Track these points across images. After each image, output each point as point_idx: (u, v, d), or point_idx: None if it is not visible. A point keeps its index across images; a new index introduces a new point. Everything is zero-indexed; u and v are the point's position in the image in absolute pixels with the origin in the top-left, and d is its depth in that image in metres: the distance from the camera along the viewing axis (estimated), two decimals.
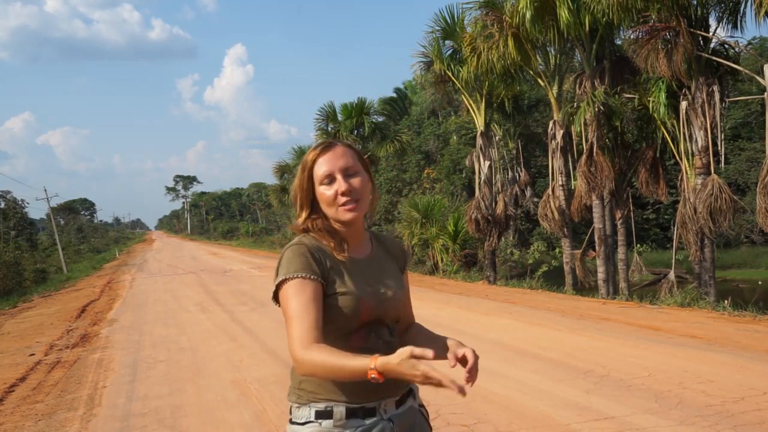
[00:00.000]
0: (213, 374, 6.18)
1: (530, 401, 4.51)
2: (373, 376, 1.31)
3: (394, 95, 38.16)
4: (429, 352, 1.27)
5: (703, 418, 3.91)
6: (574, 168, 15.17)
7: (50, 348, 8.64)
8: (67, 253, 36.79)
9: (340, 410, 1.49)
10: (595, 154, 13.71)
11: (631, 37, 12.60)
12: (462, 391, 1.28)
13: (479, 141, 17.60)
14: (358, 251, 1.61)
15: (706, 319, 7.44)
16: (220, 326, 9.30)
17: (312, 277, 1.47)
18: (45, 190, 38.71)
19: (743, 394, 4.33)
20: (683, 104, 12.12)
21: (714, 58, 12.00)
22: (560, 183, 15.13)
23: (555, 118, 15.34)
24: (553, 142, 15.30)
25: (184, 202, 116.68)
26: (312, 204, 1.59)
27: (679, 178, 13.45)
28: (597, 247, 14.66)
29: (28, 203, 42.77)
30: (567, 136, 15.17)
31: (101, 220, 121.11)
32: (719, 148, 12.38)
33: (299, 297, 1.44)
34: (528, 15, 13.40)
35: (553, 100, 15.41)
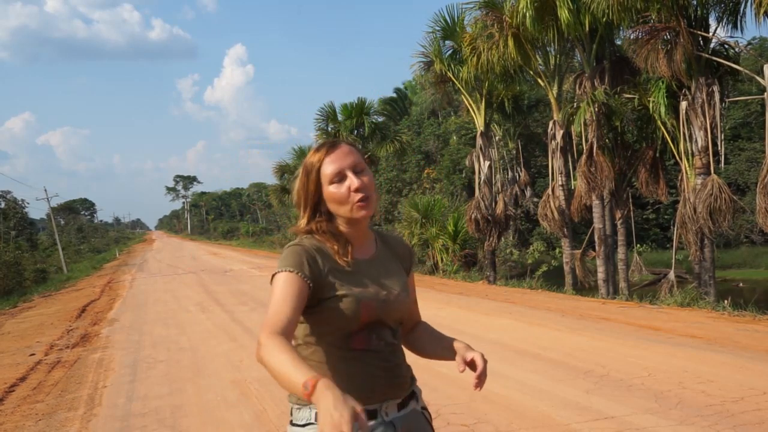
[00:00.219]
0: (213, 374, 6.18)
1: (530, 401, 4.51)
2: (306, 388, 1.23)
3: (394, 95, 38.18)
4: (366, 426, 1.19)
5: (703, 418, 3.91)
6: (574, 168, 15.17)
7: (50, 348, 8.64)
8: (67, 253, 36.80)
9: None
10: (595, 154, 13.72)
11: (631, 37, 12.59)
12: None
13: (479, 141, 17.60)
14: (361, 252, 1.60)
15: (706, 319, 7.44)
16: (220, 326, 9.30)
17: (299, 274, 1.45)
18: (45, 190, 38.77)
19: (743, 394, 4.34)
20: (683, 104, 12.12)
21: (714, 58, 12.00)
22: (560, 183, 15.14)
23: (555, 118, 15.34)
24: (553, 142, 15.31)
25: (184, 202, 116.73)
26: (316, 206, 1.57)
27: (679, 178, 13.45)
28: (597, 247, 14.66)
29: (28, 203, 42.79)
30: (567, 136, 15.17)
31: (101, 220, 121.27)
32: (719, 148, 12.38)
33: (283, 288, 1.43)
34: (528, 15, 13.40)
35: (553, 100, 15.41)
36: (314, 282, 1.47)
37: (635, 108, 13.83)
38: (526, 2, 13.41)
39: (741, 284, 20.02)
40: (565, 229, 15.30)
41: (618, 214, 14.88)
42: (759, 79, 11.40)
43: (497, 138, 22.92)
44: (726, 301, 8.81)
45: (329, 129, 22.67)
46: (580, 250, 15.44)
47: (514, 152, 25.18)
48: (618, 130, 14.42)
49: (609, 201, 14.86)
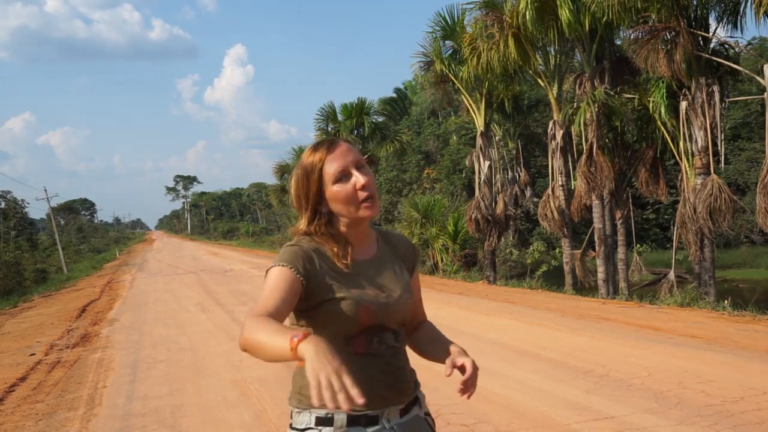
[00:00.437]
0: (213, 374, 6.18)
1: (530, 401, 4.51)
2: (294, 341, 1.18)
3: (394, 95, 38.17)
4: (354, 393, 1.12)
5: (702, 418, 3.91)
6: (574, 168, 15.17)
7: (50, 348, 8.64)
8: (67, 253, 36.80)
9: (341, 417, 1.44)
10: (595, 154, 13.72)
11: (631, 37, 12.60)
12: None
13: (479, 141, 17.60)
14: (362, 252, 1.56)
15: (706, 319, 7.44)
16: (220, 326, 9.30)
17: (292, 269, 1.42)
18: (45, 190, 38.74)
19: (743, 394, 4.34)
20: (683, 104, 12.12)
21: (714, 58, 12.00)
22: (560, 183, 15.14)
23: (555, 118, 15.35)
24: (553, 142, 15.31)
25: (184, 202, 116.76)
26: (316, 207, 1.52)
27: (679, 178, 13.45)
28: (597, 247, 14.67)
29: (28, 203, 42.74)
30: (567, 136, 15.18)
31: (101, 220, 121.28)
32: (719, 148, 12.39)
33: (274, 281, 1.40)
34: (528, 15, 13.41)
35: (553, 100, 15.42)
36: (308, 281, 1.43)
37: (635, 108, 13.84)
38: (527, 2, 13.42)
39: (740, 285, 20.04)
40: (565, 229, 15.31)
41: (618, 214, 14.88)
42: (759, 79, 11.40)
43: (497, 138, 22.92)
44: (726, 301, 8.81)
45: (329, 129, 22.68)
46: (580, 250, 15.45)
47: (514, 152, 25.18)
48: (618, 130, 14.42)
49: (609, 201, 14.86)
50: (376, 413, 1.47)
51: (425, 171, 29.32)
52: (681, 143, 12.51)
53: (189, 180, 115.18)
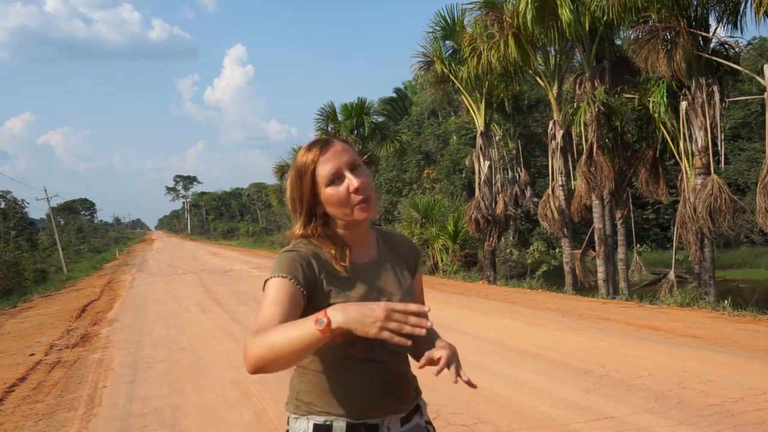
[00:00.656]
0: (213, 374, 6.18)
1: (530, 401, 4.51)
2: (321, 323, 1.16)
3: (394, 95, 38.19)
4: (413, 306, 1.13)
5: (702, 418, 3.91)
6: (574, 168, 15.17)
7: (50, 348, 8.64)
8: (67, 253, 36.79)
9: (340, 425, 1.40)
10: (595, 154, 13.72)
11: (631, 37, 12.60)
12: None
13: (479, 141, 17.60)
14: (361, 255, 1.50)
15: (706, 319, 7.44)
16: (220, 326, 9.30)
17: (292, 280, 1.36)
18: (45, 190, 38.72)
19: (743, 394, 4.34)
20: (683, 104, 12.12)
21: (714, 58, 12.01)
22: (560, 183, 15.14)
23: (555, 118, 15.34)
24: (553, 142, 15.31)
25: (184, 202, 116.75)
26: (311, 210, 1.47)
27: (679, 178, 13.45)
28: (597, 247, 14.66)
29: (28, 203, 42.78)
30: (567, 136, 15.18)
31: (101, 220, 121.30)
32: (719, 148, 12.39)
33: (274, 294, 1.34)
34: (529, 15, 13.40)
35: (553, 100, 15.42)
36: (309, 290, 1.38)
37: (635, 108, 13.84)
38: (527, 2, 13.41)
39: (740, 285, 20.03)
40: (565, 229, 15.30)
41: (618, 214, 14.88)
42: (759, 79, 11.40)
43: (497, 138, 22.93)
44: (726, 301, 8.80)
45: (329, 129, 22.68)
46: (580, 250, 15.44)
47: (514, 152, 25.18)
48: (618, 130, 14.42)
49: (609, 201, 14.86)
50: (377, 422, 1.43)
51: (425, 171, 29.33)
52: (681, 143, 12.51)
53: (189, 180, 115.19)
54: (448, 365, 1.38)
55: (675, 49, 11.45)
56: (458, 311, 9.39)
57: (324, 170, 1.43)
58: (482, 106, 17.41)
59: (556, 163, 15.19)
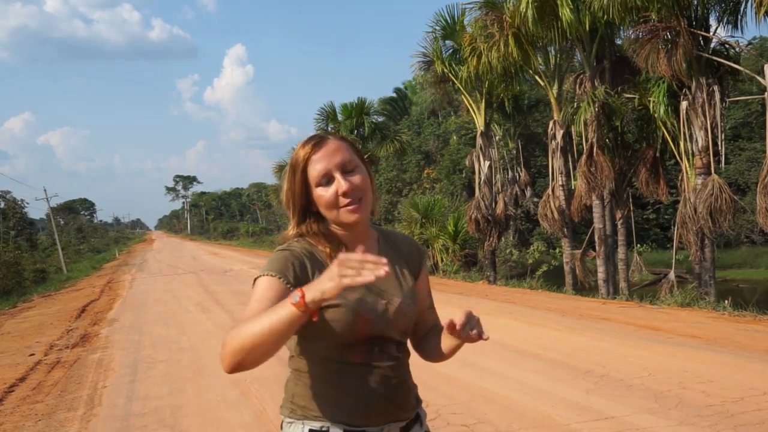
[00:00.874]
0: (213, 374, 6.17)
1: (530, 401, 4.50)
2: (296, 297, 1.14)
3: (394, 95, 38.19)
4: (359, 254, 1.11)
5: (702, 418, 3.90)
6: (574, 168, 15.17)
7: (50, 348, 8.64)
8: (66, 253, 36.80)
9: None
10: (595, 154, 13.71)
11: (632, 36, 12.60)
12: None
13: (479, 141, 17.60)
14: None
15: (706, 319, 7.44)
16: (221, 326, 9.29)
17: (281, 279, 1.31)
18: (45, 190, 38.76)
19: (743, 394, 4.33)
20: (683, 104, 12.12)
21: (714, 58, 12.00)
22: (560, 183, 15.13)
23: (555, 118, 15.34)
24: (553, 142, 15.31)
25: (184, 202, 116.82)
26: (305, 208, 1.42)
27: (679, 178, 13.45)
28: (597, 247, 14.66)
29: (28, 203, 42.85)
30: (567, 136, 15.18)
31: (101, 220, 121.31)
32: (719, 148, 12.38)
33: (261, 293, 1.30)
34: (529, 15, 13.40)
35: (553, 100, 15.41)
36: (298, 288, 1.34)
37: (635, 108, 13.84)
38: (527, 2, 13.41)
39: (740, 285, 20.02)
40: (565, 229, 15.30)
41: (618, 214, 14.88)
42: (759, 78, 11.41)
43: (497, 138, 22.92)
44: (726, 301, 8.80)
45: (329, 129, 22.68)
46: (580, 250, 15.44)
47: (514, 152, 25.18)
48: (618, 130, 14.42)
49: (609, 201, 14.86)
50: (375, 430, 1.38)
51: (425, 171, 29.35)
52: (681, 143, 12.50)
53: (189, 180, 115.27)
54: (471, 327, 1.41)
55: (675, 48, 11.45)
56: (458, 311, 9.38)
57: (314, 171, 1.39)
58: (482, 106, 17.41)
59: (556, 163, 15.19)
